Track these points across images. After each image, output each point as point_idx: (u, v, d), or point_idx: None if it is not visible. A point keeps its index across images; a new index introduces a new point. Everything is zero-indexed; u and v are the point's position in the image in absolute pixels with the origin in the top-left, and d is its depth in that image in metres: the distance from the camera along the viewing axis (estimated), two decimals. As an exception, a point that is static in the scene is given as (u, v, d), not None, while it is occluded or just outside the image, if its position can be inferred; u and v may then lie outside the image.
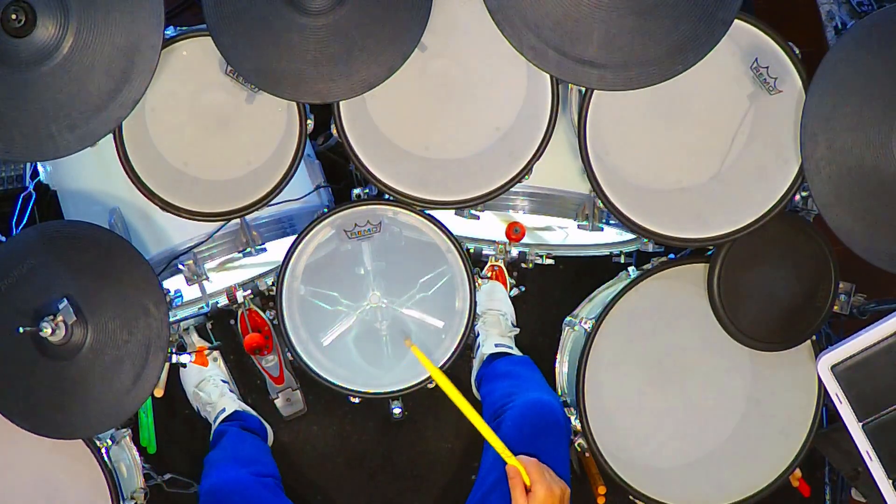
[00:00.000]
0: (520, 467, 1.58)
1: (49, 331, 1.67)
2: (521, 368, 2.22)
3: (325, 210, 2.05)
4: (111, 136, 1.81)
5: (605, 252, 2.33)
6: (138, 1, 1.67)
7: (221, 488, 1.98)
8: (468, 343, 2.13)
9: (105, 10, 1.66)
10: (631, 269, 2.14)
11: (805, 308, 1.98)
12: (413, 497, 2.44)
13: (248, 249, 2.04)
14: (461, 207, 1.99)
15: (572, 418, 2.08)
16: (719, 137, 1.90)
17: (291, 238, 2.05)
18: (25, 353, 1.73)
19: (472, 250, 2.31)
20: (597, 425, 2.04)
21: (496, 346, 2.26)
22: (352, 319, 2.11)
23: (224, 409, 2.27)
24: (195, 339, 2.36)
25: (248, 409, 2.35)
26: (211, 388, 2.31)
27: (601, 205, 1.94)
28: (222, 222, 2.00)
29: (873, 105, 1.71)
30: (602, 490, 2.17)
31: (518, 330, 2.36)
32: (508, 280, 2.40)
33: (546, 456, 1.92)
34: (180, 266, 2.02)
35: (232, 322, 2.37)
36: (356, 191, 2.10)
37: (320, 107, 1.87)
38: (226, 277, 2.26)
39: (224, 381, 2.35)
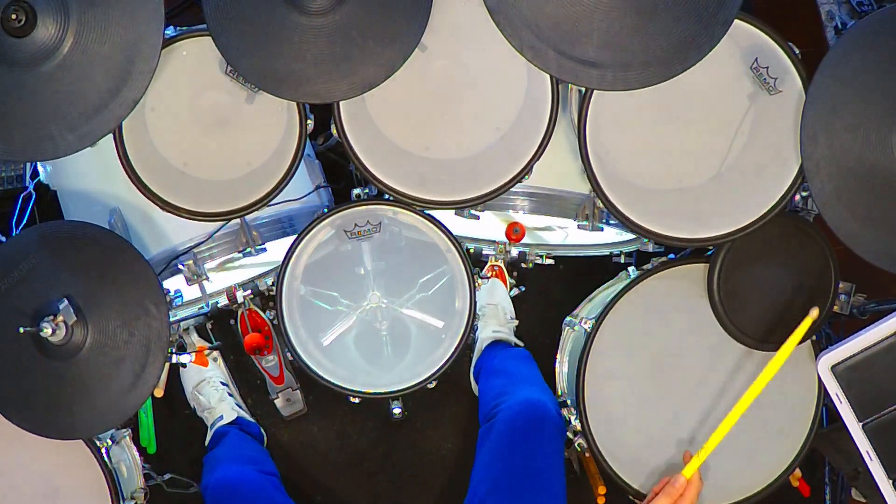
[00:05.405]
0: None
1: (49, 331, 1.67)
2: (515, 364, 2.21)
3: (325, 210, 2.05)
4: (111, 136, 1.81)
5: (605, 252, 2.33)
6: (138, 1, 1.67)
7: (230, 483, 1.98)
8: (468, 343, 2.12)
9: (105, 10, 1.66)
10: (631, 269, 2.14)
11: (805, 308, 1.97)
12: (413, 497, 2.44)
13: (248, 249, 2.04)
14: (461, 207, 1.99)
15: (572, 418, 2.08)
16: (719, 137, 1.89)
17: (291, 238, 2.05)
18: (25, 353, 1.73)
19: (472, 250, 2.31)
20: (597, 425, 2.03)
21: (494, 332, 2.26)
22: (352, 319, 2.11)
23: (222, 417, 2.27)
24: (195, 339, 2.36)
25: (246, 415, 2.35)
26: (210, 390, 2.31)
27: (601, 205, 1.94)
28: (222, 222, 2.00)
29: (873, 105, 1.71)
30: (602, 490, 2.17)
31: (517, 322, 2.35)
32: (508, 280, 2.41)
33: (540, 454, 1.92)
34: (180, 266, 2.02)
35: (232, 322, 2.37)
36: (356, 191, 2.10)
37: (320, 107, 1.87)
38: (226, 277, 2.26)
39: (224, 384, 2.35)
